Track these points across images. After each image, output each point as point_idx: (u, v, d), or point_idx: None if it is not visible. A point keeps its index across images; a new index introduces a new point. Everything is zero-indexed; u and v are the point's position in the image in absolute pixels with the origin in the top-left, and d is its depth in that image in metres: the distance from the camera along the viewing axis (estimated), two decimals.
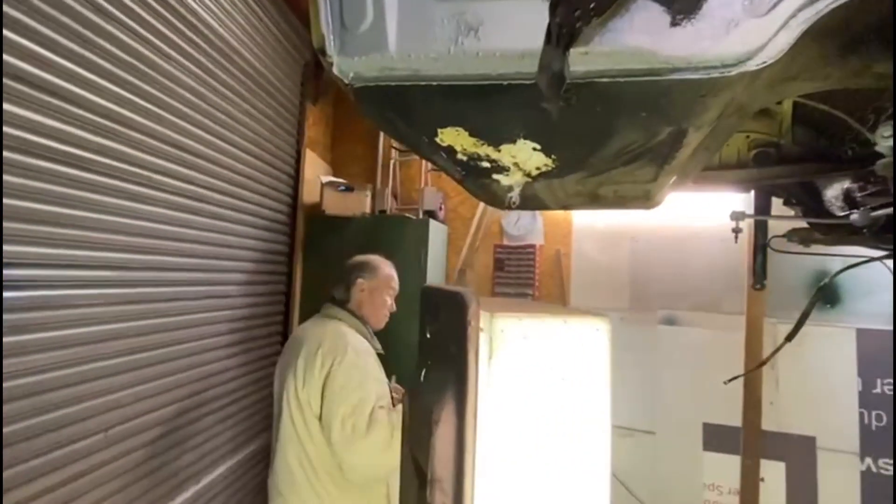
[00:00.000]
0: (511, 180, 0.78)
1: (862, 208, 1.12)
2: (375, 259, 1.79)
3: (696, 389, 2.99)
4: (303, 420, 1.45)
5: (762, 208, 1.59)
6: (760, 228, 1.63)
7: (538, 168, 0.71)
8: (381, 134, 3.91)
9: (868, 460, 2.64)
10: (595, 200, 0.92)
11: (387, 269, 1.78)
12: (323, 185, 3.49)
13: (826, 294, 2.82)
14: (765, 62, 0.44)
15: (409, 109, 0.61)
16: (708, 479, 2.91)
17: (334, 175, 3.64)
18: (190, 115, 1.93)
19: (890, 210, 1.04)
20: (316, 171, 3.53)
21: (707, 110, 0.53)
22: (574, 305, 3.34)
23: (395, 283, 1.80)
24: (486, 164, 0.71)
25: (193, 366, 2.04)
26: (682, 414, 3.02)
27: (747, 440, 2.82)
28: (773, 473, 2.78)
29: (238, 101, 2.33)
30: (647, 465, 3.05)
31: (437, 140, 0.65)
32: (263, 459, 2.58)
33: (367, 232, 3.18)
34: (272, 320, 2.93)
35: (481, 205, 3.68)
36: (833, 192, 1.38)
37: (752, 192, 1.61)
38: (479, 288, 3.68)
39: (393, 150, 3.78)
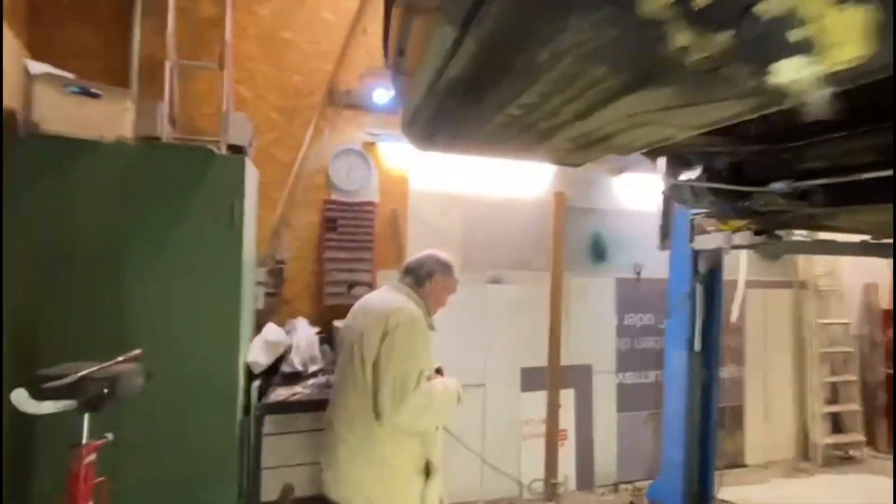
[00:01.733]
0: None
1: (784, 182, 1.32)
2: (453, 262, 1.93)
3: (515, 340, 3.33)
4: (363, 369, 1.62)
5: (673, 174, 1.74)
6: (672, 194, 1.78)
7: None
8: (140, 10, 2.59)
9: (620, 375, 3.57)
10: None
11: (456, 273, 1.93)
12: (33, 80, 2.12)
13: (598, 253, 3.60)
14: None
15: None
16: (524, 415, 3.31)
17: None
18: None
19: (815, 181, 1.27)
20: (17, 58, 2.07)
21: None
22: None
23: (455, 281, 1.94)
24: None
25: None
26: (506, 363, 3.32)
27: (552, 377, 3.34)
28: (566, 399, 3.41)
29: None
30: (478, 415, 3.23)
31: None
32: None
33: (127, 170, 2.09)
34: None
35: (304, 146, 2.98)
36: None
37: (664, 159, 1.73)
38: (299, 253, 3.00)
39: (168, 47, 2.55)
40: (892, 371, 4.04)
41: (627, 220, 3.57)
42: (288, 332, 2.67)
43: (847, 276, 4.22)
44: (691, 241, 2.88)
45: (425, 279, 1.82)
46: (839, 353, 4.01)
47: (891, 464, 3.78)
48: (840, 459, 3.84)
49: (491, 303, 3.33)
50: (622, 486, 3.47)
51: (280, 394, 2.33)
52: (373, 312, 1.71)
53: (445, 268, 1.86)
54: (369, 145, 3.15)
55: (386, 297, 1.79)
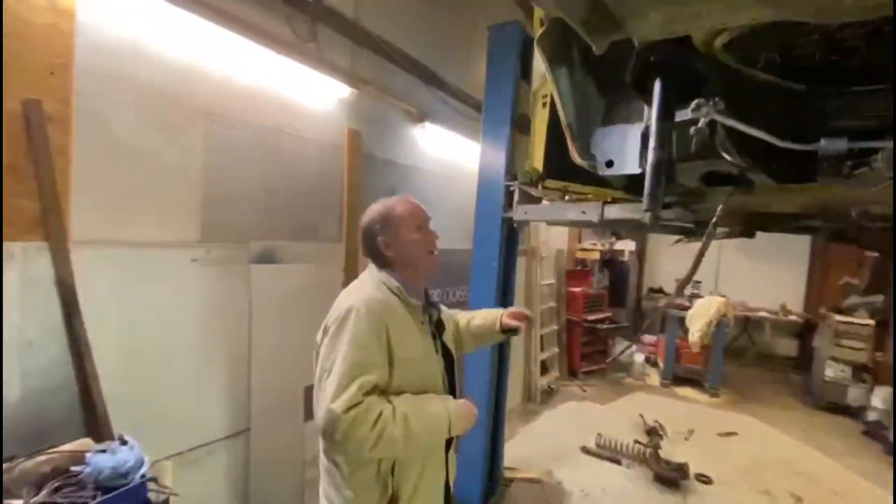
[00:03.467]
0: None
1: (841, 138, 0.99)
2: (383, 205, 1.35)
3: (296, 347, 2.21)
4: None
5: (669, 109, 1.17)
6: (664, 135, 1.18)
7: None
8: None
9: None
10: None
11: (400, 206, 1.34)
12: None
13: None
14: None
15: None
16: (310, 453, 2.27)
17: None
18: None
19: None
20: None
21: None
22: (78, 234, 1.56)
23: (420, 212, 1.36)
24: None
25: None
26: (281, 385, 2.15)
27: None
28: None
29: None
30: (240, 471, 1.96)
31: None
32: None
33: None
34: None
35: None
36: None
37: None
38: None
39: None
40: (570, 317, 5.24)
41: (431, 180, 2.98)
42: None
43: (553, 244, 5.14)
44: (506, 210, 2.58)
45: (377, 250, 1.31)
46: (549, 307, 4.85)
47: (578, 389, 4.94)
48: (546, 394, 4.68)
49: (259, 294, 2.06)
50: None
51: None
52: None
53: (382, 218, 1.32)
54: None
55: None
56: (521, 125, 2.60)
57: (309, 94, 2.25)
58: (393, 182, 2.82)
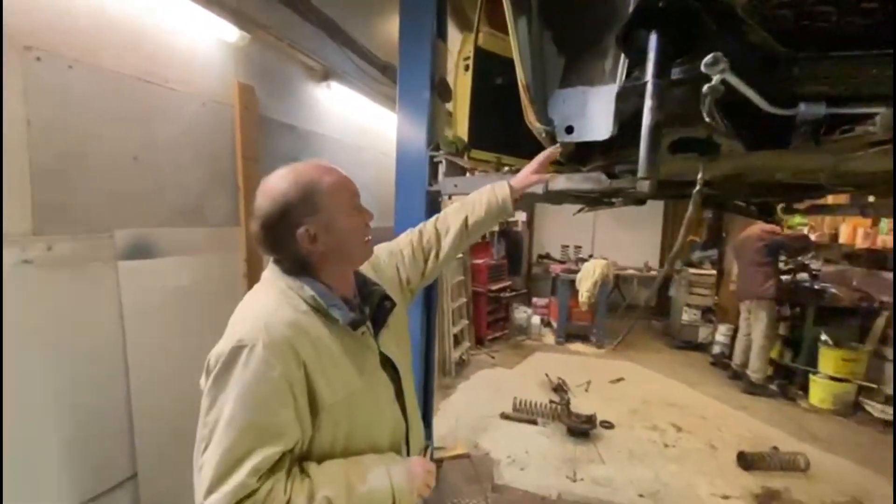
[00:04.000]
0: None
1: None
2: (296, 174, 0.91)
3: (187, 365, 1.78)
4: None
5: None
6: (662, 93, 1.01)
7: None
8: None
9: None
10: None
11: (326, 176, 0.92)
12: None
13: None
14: None
15: None
16: None
17: None
18: None
19: None
20: None
21: None
22: None
23: (350, 183, 0.97)
24: None
25: None
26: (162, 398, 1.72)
27: None
28: None
29: None
30: None
31: None
32: None
33: None
34: None
35: None
36: None
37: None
38: None
39: None
40: (475, 288, 5.33)
41: (339, 149, 2.62)
42: None
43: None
44: (431, 183, 2.39)
45: (295, 247, 0.89)
46: (458, 281, 4.85)
47: (487, 356, 5.08)
48: (459, 366, 4.74)
49: (133, 301, 1.58)
50: None
51: None
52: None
53: (301, 195, 0.88)
54: None
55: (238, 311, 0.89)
56: (440, 90, 2.40)
57: (185, 33, 1.74)
58: (294, 151, 2.42)
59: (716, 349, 5.21)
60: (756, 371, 4.22)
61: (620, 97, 1.14)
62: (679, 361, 5.20)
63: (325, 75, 2.49)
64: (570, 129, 1.36)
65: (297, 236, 0.87)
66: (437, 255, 1.22)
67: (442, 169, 2.27)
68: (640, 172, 0.95)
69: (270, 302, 0.86)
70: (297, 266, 0.91)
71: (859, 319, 4.17)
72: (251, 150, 2.05)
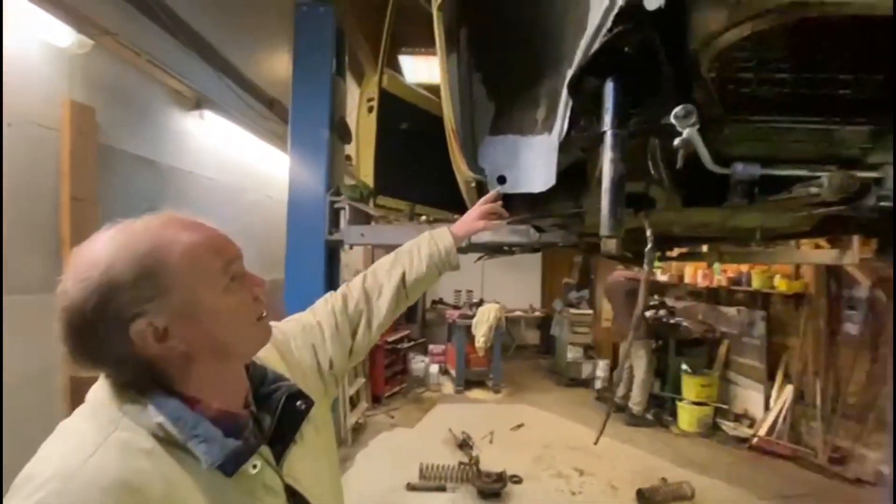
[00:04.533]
0: None
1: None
2: (130, 238, 0.59)
3: None
4: None
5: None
6: (616, 146, 0.89)
7: None
8: None
9: None
10: None
11: (180, 235, 0.61)
12: None
13: None
14: None
15: None
16: None
17: None
18: None
19: None
20: None
21: None
22: None
23: (223, 242, 0.66)
24: None
25: None
26: None
27: None
28: None
29: None
30: None
31: None
32: None
33: None
34: None
35: None
36: None
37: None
38: None
39: None
40: None
41: (212, 190, 2.17)
42: None
43: (353, 265, 4.76)
44: (331, 232, 2.11)
45: (126, 354, 0.57)
46: None
47: (386, 416, 4.64)
48: (356, 432, 4.26)
49: None
50: None
51: None
52: None
53: (138, 270, 0.55)
54: None
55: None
56: (340, 131, 2.18)
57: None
58: (152, 192, 1.93)
59: (598, 384, 5.57)
60: (637, 404, 4.57)
61: (563, 148, 1.06)
62: (569, 399, 5.42)
63: (198, 103, 2.08)
64: (502, 179, 1.25)
65: (131, 336, 0.56)
66: (368, 324, 0.95)
67: (345, 216, 2.01)
68: (604, 230, 0.85)
69: (86, 441, 0.54)
70: (143, 379, 0.59)
71: (706, 348, 4.85)
72: (85, 188, 1.55)
